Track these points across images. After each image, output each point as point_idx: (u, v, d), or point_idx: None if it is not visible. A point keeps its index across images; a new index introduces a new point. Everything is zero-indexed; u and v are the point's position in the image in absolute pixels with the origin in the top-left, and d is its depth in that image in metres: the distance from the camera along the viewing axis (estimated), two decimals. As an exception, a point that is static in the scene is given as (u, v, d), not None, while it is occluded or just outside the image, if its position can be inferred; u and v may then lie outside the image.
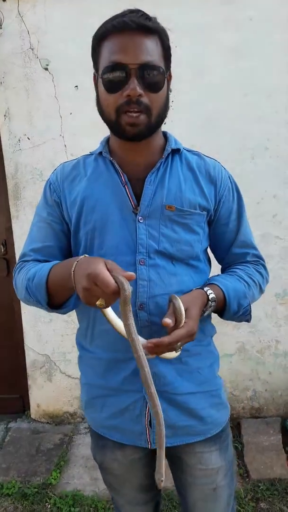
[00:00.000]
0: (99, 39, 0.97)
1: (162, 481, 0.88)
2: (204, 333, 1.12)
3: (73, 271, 0.88)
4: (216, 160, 1.14)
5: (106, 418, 1.13)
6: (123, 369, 1.07)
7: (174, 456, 1.17)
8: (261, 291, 1.17)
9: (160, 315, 1.02)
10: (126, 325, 0.81)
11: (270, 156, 2.33)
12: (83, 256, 0.91)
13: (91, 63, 1.02)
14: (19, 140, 2.43)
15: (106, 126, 1.04)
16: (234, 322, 2.43)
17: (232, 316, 1.10)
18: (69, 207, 1.08)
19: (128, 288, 0.77)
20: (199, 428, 1.10)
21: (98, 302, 0.81)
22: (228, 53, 2.24)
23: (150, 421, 1.08)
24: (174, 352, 0.94)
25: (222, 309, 1.07)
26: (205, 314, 1.02)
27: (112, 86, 0.95)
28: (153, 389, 0.84)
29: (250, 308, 1.12)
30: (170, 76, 1.03)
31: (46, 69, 2.34)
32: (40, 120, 2.40)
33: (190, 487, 1.17)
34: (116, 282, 0.77)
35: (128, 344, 0.85)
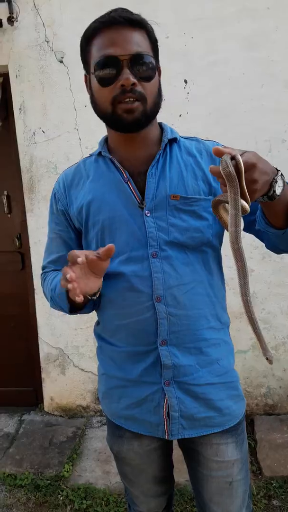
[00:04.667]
0: (88, 39, 1.01)
1: (272, 357, 0.84)
2: (220, 321, 1.12)
3: None
4: (215, 141, 1.13)
5: (124, 409, 1.14)
6: (143, 361, 1.08)
7: (190, 449, 1.17)
8: None
9: (177, 306, 1.04)
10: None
11: (287, 148, 2.29)
12: None
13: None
14: (34, 133, 2.43)
15: None
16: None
17: None
18: (76, 212, 1.10)
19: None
20: (217, 419, 1.10)
21: None
22: (244, 43, 2.20)
23: (168, 412, 1.08)
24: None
25: None
26: (276, 189, 0.88)
27: (105, 80, 0.96)
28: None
29: None
30: (159, 70, 1.04)
31: (61, 61, 2.33)
32: (55, 113, 2.40)
33: (206, 480, 1.16)
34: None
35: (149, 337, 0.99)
